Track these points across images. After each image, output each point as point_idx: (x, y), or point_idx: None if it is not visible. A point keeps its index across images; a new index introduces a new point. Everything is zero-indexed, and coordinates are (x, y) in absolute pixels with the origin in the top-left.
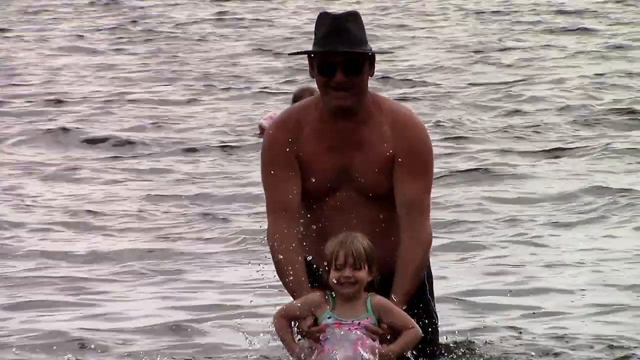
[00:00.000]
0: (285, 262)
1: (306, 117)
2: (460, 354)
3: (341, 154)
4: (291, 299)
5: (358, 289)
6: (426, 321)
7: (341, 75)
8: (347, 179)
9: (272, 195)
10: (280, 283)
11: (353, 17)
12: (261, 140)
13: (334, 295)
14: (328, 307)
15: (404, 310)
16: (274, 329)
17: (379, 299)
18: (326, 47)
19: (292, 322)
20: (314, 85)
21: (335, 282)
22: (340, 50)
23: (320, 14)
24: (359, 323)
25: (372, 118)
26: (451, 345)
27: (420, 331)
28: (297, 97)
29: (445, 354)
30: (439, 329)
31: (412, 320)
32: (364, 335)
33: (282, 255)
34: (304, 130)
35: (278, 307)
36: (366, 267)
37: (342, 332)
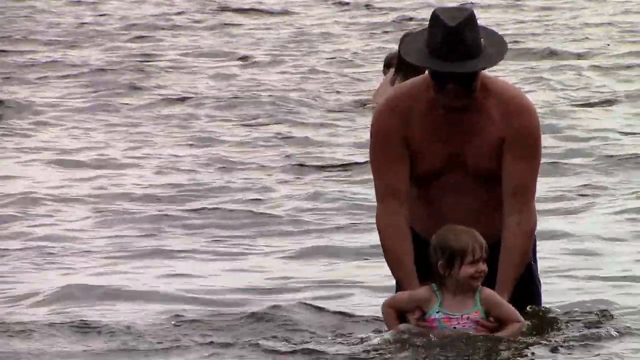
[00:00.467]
0: (395, 252)
1: (417, 101)
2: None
3: (451, 141)
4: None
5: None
6: (531, 288)
7: (454, 85)
8: (456, 164)
9: (383, 181)
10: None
11: (469, 23)
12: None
13: (441, 289)
14: (437, 301)
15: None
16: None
17: (488, 292)
18: (438, 66)
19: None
20: None
21: (470, 276)
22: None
23: (434, 14)
24: (468, 317)
25: (482, 105)
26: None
27: (527, 324)
28: (389, 63)
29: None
30: (541, 293)
31: (519, 314)
32: (479, 320)
33: (392, 244)
34: (414, 114)
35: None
36: None
37: (452, 328)
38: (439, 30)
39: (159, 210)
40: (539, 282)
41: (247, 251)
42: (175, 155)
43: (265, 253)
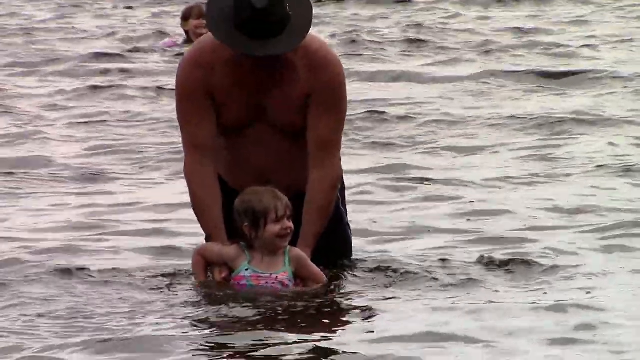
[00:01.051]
0: (202, 201)
1: (221, 54)
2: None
3: (255, 94)
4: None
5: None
6: (337, 233)
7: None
8: (261, 116)
9: (188, 132)
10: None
11: (276, 4)
12: None
13: (250, 250)
14: (246, 259)
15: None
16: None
17: (297, 252)
18: (245, 49)
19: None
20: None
21: (277, 235)
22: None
23: None
24: (277, 277)
25: (287, 58)
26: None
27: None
28: (186, 15)
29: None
30: (351, 235)
31: (324, 276)
32: (286, 281)
33: (199, 193)
34: (217, 67)
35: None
36: None
37: (260, 286)
38: (246, 9)
39: None
40: (349, 225)
41: None
42: None
43: None
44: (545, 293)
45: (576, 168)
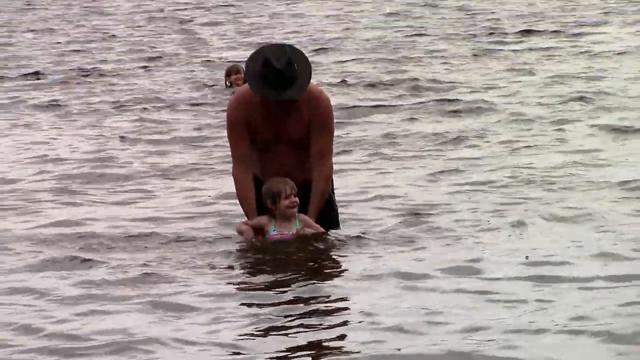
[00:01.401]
0: (244, 195)
1: (253, 98)
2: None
3: (277, 123)
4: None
5: (297, 209)
6: (331, 212)
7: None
8: (281, 137)
9: (235, 148)
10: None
11: (289, 62)
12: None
13: (273, 218)
14: (272, 224)
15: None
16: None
17: (302, 216)
18: (270, 95)
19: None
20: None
21: (287, 207)
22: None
23: (265, 57)
24: (293, 233)
25: (295, 100)
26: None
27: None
28: (229, 72)
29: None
30: (338, 215)
31: (322, 229)
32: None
33: (242, 190)
34: (252, 107)
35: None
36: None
37: (284, 239)
38: (270, 69)
39: None
40: (336, 208)
41: None
42: None
43: None
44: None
45: None
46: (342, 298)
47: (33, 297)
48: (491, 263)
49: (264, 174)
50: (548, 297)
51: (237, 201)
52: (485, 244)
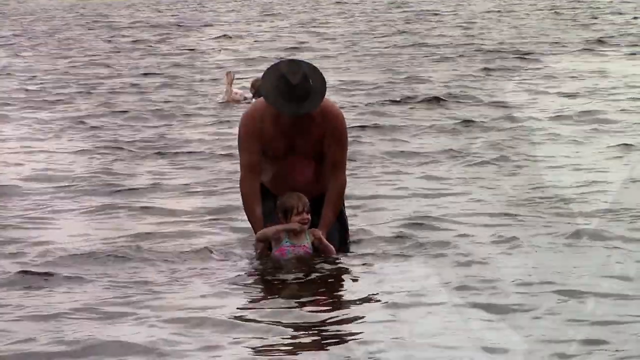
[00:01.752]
0: (250, 204)
1: (268, 111)
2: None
3: (290, 136)
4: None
5: (308, 225)
6: (342, 231)
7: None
8: (293, 149)
9: (245, 159)
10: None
11: (304, 77)
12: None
13: (287, 230)
14: (285, 237)
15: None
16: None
17: (313, 230)
18: (287, 109)
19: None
20: None
21: (298, 222)
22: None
23: (280, 73)
24: (303, 246)
25: (309, 114)
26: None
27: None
28: (254, 84)
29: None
30: (348, 229)
31: (332, 247)
32: (309, 250)
33: (248, 199)
34: (266, 120)
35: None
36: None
37: (295, 253)
38: (286, 85)
39: None
40: (347, 227)
41: None
42: None
43: None
44: None
45: None
46: (348, 319)
47: (23, 312)
48: (501, 282)
49: (274, 185)
50: (569, 313)
51: (244, 212)
52: (497, 260)
